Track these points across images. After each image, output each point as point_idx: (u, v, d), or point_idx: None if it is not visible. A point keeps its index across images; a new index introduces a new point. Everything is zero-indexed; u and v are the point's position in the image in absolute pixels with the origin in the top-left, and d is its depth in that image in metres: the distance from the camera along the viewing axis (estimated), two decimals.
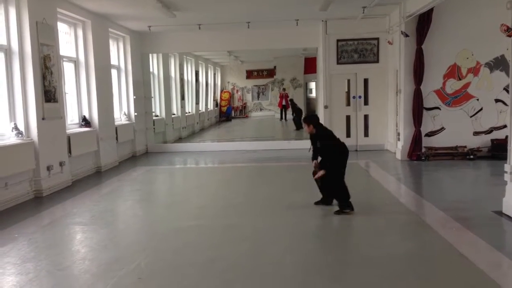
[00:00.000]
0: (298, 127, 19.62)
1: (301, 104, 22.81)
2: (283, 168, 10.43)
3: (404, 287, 3.90)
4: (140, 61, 13.21)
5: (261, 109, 26.32)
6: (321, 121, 12.69)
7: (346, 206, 5.96)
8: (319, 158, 6.36)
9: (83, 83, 9.89)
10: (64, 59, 9.26)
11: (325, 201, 6.42)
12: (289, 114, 22.92)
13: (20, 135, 7.52)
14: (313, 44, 13.10)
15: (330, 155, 6.08)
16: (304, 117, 6.85)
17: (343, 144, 6.19)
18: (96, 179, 9.38)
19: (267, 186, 8.43)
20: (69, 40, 9.71)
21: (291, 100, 21.55)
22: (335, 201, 6.24)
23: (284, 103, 23.26)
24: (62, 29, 9.34)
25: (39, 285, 4.12)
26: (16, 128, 7.52)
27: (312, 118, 6.43)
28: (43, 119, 7.81)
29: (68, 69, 9.62)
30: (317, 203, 6.49)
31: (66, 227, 6.11)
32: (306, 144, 13.63)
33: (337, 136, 6.33)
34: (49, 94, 8.04)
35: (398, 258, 4.54)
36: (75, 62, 9.80)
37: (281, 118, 23.39)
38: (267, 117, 25.02)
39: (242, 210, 6.65)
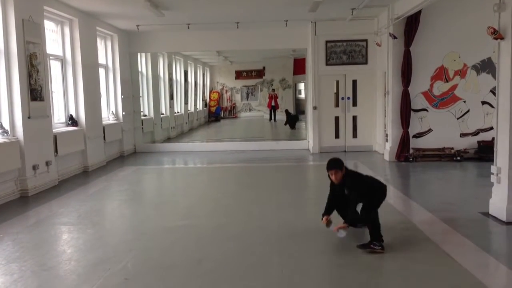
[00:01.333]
0: (293, 126, 19.69)
1: (290, 105, 22.95)
2: (272, 168, 10.43)
3: (391, 286, 3.91)
4: (128, 60, 13.12)
5: (250, 110, 26.35)
6: (310, 122, 12.93)
7: (379, 240, 4.71)
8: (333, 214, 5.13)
9: (70, 81, 9.80)
10: (50, 57, 9.16)
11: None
12: (278, 115, 22.98)
13: (5, 134, 7.43)
14: (302, 45, 13.13)
15: (371, 198, 4.85)
16: (333, 162, 4.93)
17: (379, 182, 5.10)
18: (83, 179, 9.29)
19: (256, 186, 8.41)
20: (56, 38, 9.61)
21: (286, 111, 21.32)
22: None
23: (273, 103, 23.31)
24: (49, 27, 9.24)
25: (24, 286, 4.05)
26: (1, 126, 7.43)
27: (341, 162, 4.91)
28: (29, 118, 7.72)
29: (54, 67, 9.51)
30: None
31: (52, 227, 6.03)
32: (295, 144, 13.79)
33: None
34: (35, 92, 7.95)
35: (384, 258, 4.55)
36: (62, 60, 9.69)
37: (270, 118, 23.44)
38: (256, 118, 25.05)
39: (230, 210, 6.63)
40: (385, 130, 11.21)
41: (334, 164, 4.87)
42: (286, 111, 20.92)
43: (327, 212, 5.06)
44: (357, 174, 5.06)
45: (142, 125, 13.80)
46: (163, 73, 16.63)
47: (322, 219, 5.00)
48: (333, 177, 4.88)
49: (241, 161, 11.39)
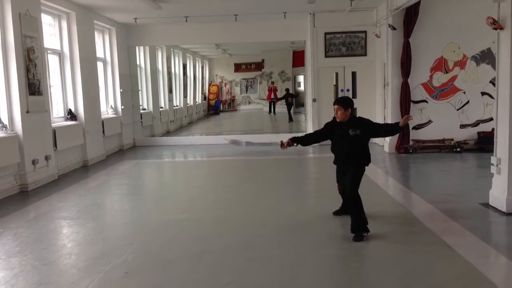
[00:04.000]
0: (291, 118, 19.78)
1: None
2: (272, 161, 10.41)
3: (392, 279, 3.92)
4: (126, 53, 13.07)
5: (249, 103, 26.26)
6: (309, 114, 12.89)
7: (364, 227, 4.88)
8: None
9: (68, 76, 9.76)
10: (48, 51, 9.12)
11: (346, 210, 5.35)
12: (278, 108, 22.94)
13: (4, 129, 7.41)
14: (301, 37, 13.07)
15: (383, 130, 5.26)
16: (340, 98, 5.35)
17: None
18: (82, 173, 9.28)
19: (256, 179, 8.41)
20: (53, 32, 9.56)
21: (287, 90, 21.56)
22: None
23: (272, 96, 23.25)
24: (46, 20, 9.20)
25: (24, 280, 4.05)
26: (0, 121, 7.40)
27: (347, 101, 5.14)
28: (27, 112, 7.69)
29: (52, 61, 9.47)
30: (337, 212, 5.58)
31: (52, 221, 6.03)
32: None
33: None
34: (33, 87, 7.92)
35: (385, 250, 4.55)
36: (60, 54, 9.65)
37: (270, 111, 23.39)
38: (256, 111, 24.98)
39: (230, 203, 6.63)
40: (385, 122, 11.18)
41: (339, 101, 5.15)
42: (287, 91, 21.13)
43: (300, 140, 5.34)
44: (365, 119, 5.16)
45: (141, 119, 13.77)
46: (161, 66, 16.57)
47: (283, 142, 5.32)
48: (336, 114, 5.07)
49: (241, 154, 11.38)
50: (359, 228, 4.83)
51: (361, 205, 4.94)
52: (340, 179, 5.37)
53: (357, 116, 5.24)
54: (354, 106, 5.22)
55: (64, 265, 4.42)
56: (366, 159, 5.10)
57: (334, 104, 5.11)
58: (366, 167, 5.14)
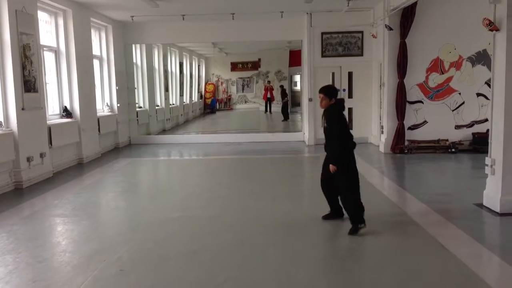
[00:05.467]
0: (286, 117, 19.80)
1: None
2: (267, 160, 10.42)
3: (386, 278, 3.93)
4: (123, 51, 13.04)
5: (245, 102, 26.25)
6: (306, 114, 12.90)
7: (360, 221, 4.93)
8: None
9: (64, 73, 9.74)
10: (44, 48, 9.09)
11: (335, 214, 5.41)
12: (274, 107, 22.97)
13: None
14: (297, 37, 13.08)
15: (334, 142, 5.03)
16: (323, 87, 5.18)
17: (350, 135, 5.23)
18: (78, 171, 9.26)
19: (251, 178, 8.42)
20: (49, 29, 9.53)
21: (281, 86, 21.60)
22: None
23: (269, 95, 23.28)
24: (43, 18, 9.16)
25: (18, 278, 4.04)
26: None
27: (329, 89, 5.14)
28: (22, 109, 7.67)
29: (48, 58, 9.44)
30: (325, 217, 5.45)
31: (47, 219, 6.01)
32: (291, 136, 13.78)
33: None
34: (29, 84, 7.89)
35: (380, 250, 4.57)
36: (56, 51, 9.62)
37: (266, 110, 23.41)
38: (252, 110, 24.98)
39: (226, 201, 6.63)
40: (380, 122, 11.22)
41: (322, 89, 5.13)
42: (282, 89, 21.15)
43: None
44: (337, 109, 5.07)
45: (137, 117, 13.74)
46: (158, 64, 16.54)
47: None
48: (320, 103, 5.12)
49: (237, 153, 11.38)
50: (356, 219, 4.88)
51: (351, 199, 4.97)
52: (324, 166, 5.35)
53: (333, 105, 5.06)
54: (350, 106, 5.21)
55: (59, 263, 4.42)
56: (339, 152, 5.05)
57: (319, 92, 5.12)
58: (354, 165, 5.16)
